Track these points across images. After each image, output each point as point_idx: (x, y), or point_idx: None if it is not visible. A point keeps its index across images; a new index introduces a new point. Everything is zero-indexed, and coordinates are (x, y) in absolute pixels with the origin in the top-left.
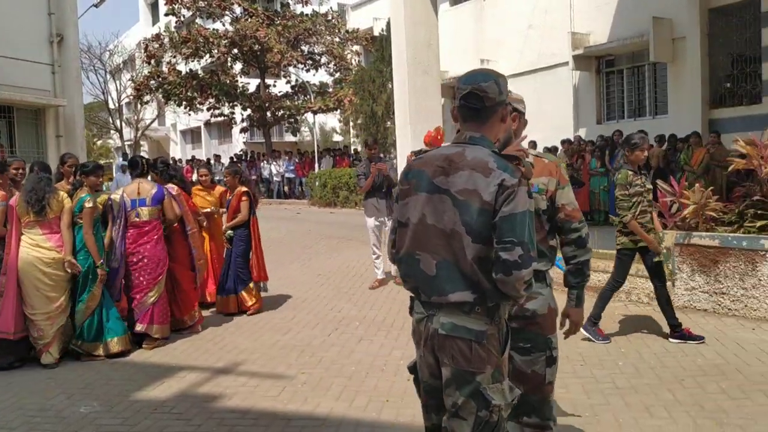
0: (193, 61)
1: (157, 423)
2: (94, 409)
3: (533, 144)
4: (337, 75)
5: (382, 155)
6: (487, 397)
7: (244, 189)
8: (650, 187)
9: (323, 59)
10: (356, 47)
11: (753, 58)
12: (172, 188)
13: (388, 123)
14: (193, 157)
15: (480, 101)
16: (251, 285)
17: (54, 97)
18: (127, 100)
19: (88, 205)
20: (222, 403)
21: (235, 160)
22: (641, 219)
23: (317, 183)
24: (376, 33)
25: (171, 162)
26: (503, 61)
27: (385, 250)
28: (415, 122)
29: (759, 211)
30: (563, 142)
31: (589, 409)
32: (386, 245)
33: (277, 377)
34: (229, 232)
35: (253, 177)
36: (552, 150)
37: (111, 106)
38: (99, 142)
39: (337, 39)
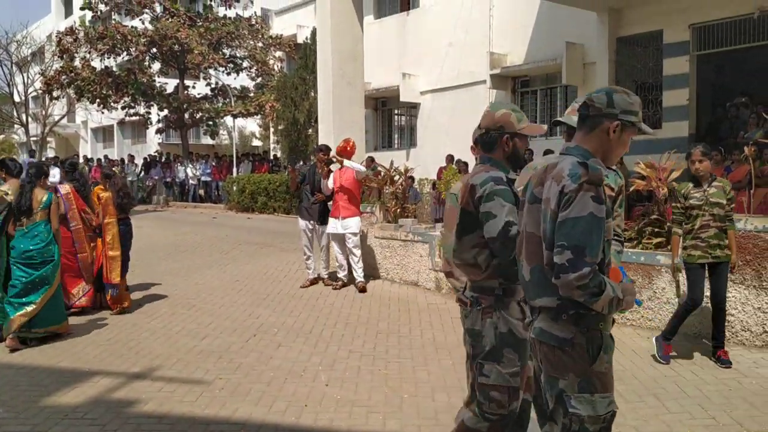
0: (109, 58)
1: (69, 429)
2: (1, 415)
3: (450, 158)
4: (259, 80)
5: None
6: (568, 404)
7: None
8: (719, 200)
9: (245, 63)
10: (279, 53)
11: (655, 86)
12: (63, 187)
13: (310, 130)
14: (106, 156)
15: (586, 109)
16: None
17: None
18: (34, 93)
19: None
20: (138, 408)
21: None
22: (702, 233)
23: (235, 188)
24: (300, 40)
25: (79, 164)
26: (424, 76)
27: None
28: (339, 131)
29: (656, 229)
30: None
31: None
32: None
33: (194, 383)
34: None
35: (168, 179)
36: (465, 164)
37: (17, 99)
38: (1, 137)
39: (260, 44)
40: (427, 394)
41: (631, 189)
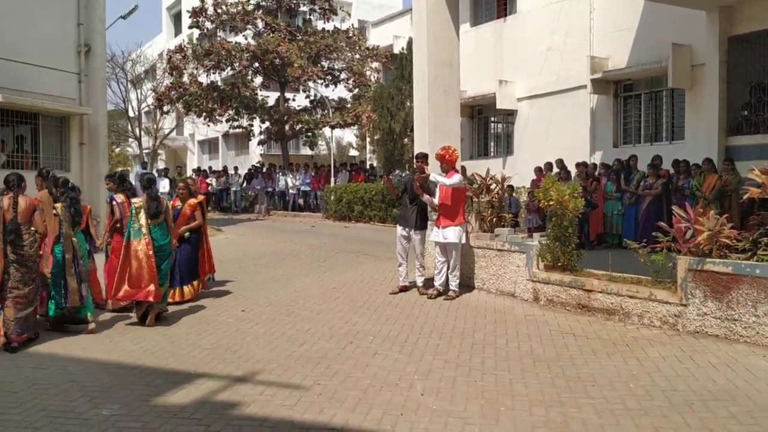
0: (214, 73)
1: (178, 428)
2: (115, 412)
3: (549, 165)
4: (356, 91)
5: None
6: None
7: (197, 200)
8: None
9: (343, 75)
10: (376, 64)
11: None
12: (118, 196)
13: (405, 140)
14: (209, 167)
15: None
16: (195, 283)
17: (79, 105)
18: (147, 109)
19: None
20: (240, 410)
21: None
22: None
23: (332, 197)
24: (396, 51)
25: (127, 176)
26: (521, 82)
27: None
28: (435, 140)
29: None
30: (578, 164)
31: (600, 429)
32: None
33: (293, 387)
34: (187, 233)
35: (269, 189)
36: (566, 172)
37: (131, 114)
38: (117, 150)
39: (357, 56)
40: (524, 408)
41: (745, 197)
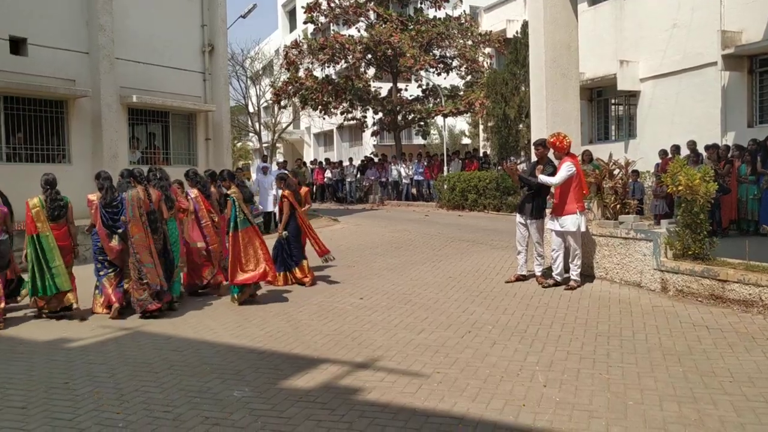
0: (328, 67)
1: (304, 411)
2: (246, 394)
3: (676, 148)
4: (469, 78)
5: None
6: None
7: (285, 192)
8: None
9: (455, 62)
10: (488, 50)
11: None
12: (192, 191)
13: (521, 126)
14: (324, 159)
15: None
16: (304, 263)
17: (204, 102)
18: (265, 104)
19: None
20: (362, 396)
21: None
22: None
23: (446, 186)
24: (509, 35)
25: (198, 173)
26: (644, 62)
27: (530, 247)
28: (552, 125)
29: None
30: (708, 147)
31: (740, 428)
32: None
33: (413, 375)
34: (284, 233)
35: (383, 179)
36: (697, 155)
37: (251, 110)
38: (239, 144)
39: (470, 42)
40: (654, 403)
41: None
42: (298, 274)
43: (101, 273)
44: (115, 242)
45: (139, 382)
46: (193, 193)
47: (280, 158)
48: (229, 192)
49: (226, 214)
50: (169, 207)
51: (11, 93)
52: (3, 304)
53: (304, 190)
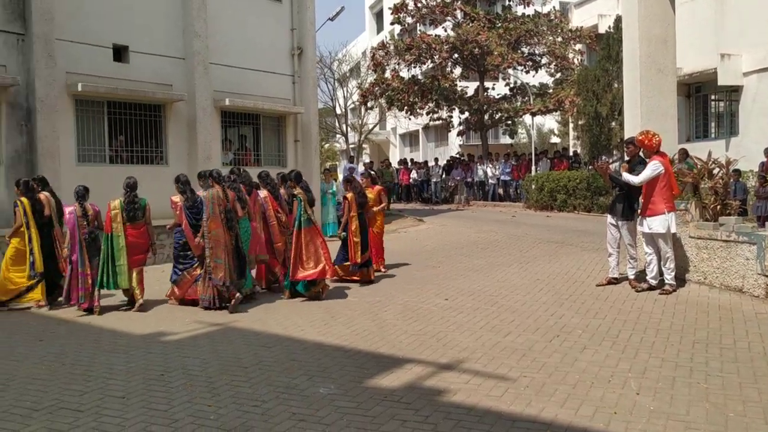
0: (415, 67)
1: (388, 410)
2: (332, 391)
3: None
4: (558, 75)
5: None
6: None
7: (348, 195)
8: None
9: (544, 60)
10: (579, 46)
11: None
12: (262, 192)
13: (613, 124)
14: (410, 159)
15: None
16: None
17: (293, 105)
18: (352, 105)
19: None
20: (447, 397)
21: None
22: None
23: (534, 186)
24: (601, 30)
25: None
26: (748, 55)
27: (622, 249)
28: (647, 122)
29: None
30: None
31: None
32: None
33: (499, 378)
34: (343, 233)
35: (468, 179)
36: None
37: (338, 111)
38: (326, 146)
39: (560, 39)
40: (758, 416)
41: None
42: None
43: (179, 268)
44: (200, 239)
45: (230, 376)
46: (263, 193)
47: (366, 159)
48: (295, 193)
49: (293, 214)
50: (242, 207)
51: (114, 98)
52: (98, 293)
53: (376, 189)
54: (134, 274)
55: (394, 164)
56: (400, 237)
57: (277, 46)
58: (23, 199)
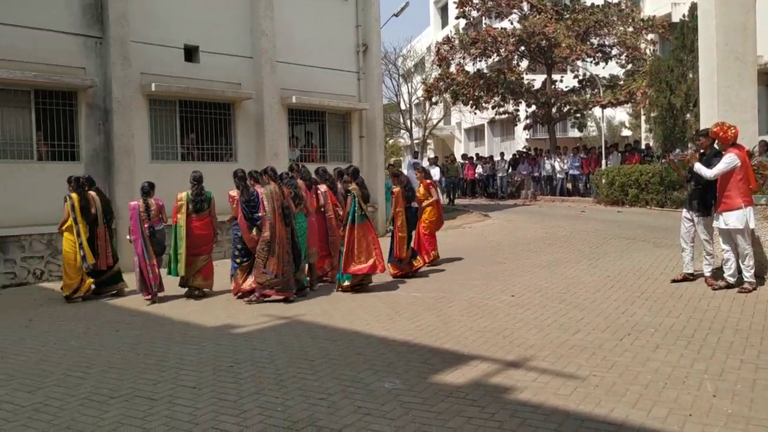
0: (480, 61)
1: (454, 406)
2: (397, 386)
3: None
4: (629, 66)
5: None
6: None
7: (395, 190)
8: None
9: (614, 51)
10: (651, 36)
11: None
12: (322, 186)
13: (688, 115)
14: (475, 154)
15: None
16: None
17: (358, 101)
18: (417, 101)
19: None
20: (514, 395)
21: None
22: None
23: (604, 180)
24: (675, 19)
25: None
26: None
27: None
28: (724, 113)
29: None
30: None
31: None
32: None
33: (567, 376)
34: (390, 227)
35: (535, 174)
36: None
37: (402, 107)
38: (390, 141)
39: (630, 29)
40: None
41: None
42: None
43: (237, 261)
44: (254, 233)
45: (297, 369)
46: (323, 188)
47: (431, 154)
48: (350, 188)
49: (347, 208)
50: (297, 203)
51: (185, 97)
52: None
53: (425, 183)
54: (199, 263)
55: (459, 159)
56: (464, 232)
57: (343, 44)
58: (73, 194)
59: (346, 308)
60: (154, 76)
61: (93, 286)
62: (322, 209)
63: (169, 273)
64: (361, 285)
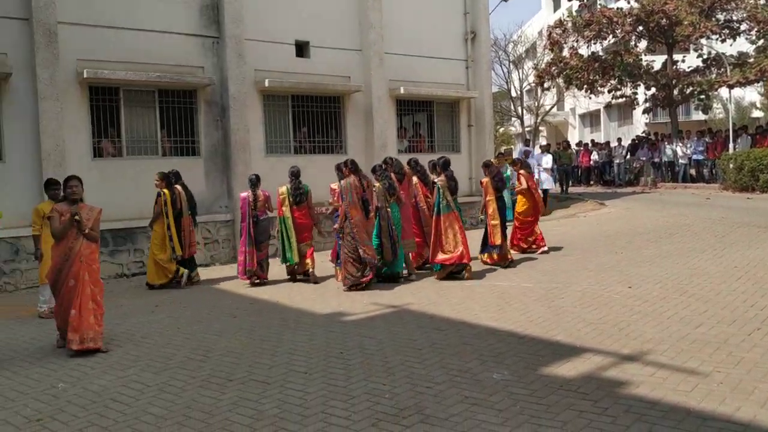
0: (595, 44)
1: (564, 399)
2: (505, 377)
3: None
4: (761, 42)
5: None
6: None
7: (484, 180)
8: None
9: (743, 26)
10: None
11: None
12: (414, 178)
13: None
14: (590, 140)
15: None
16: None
17: (467, 90)
18: (528, 87)
19: None
20: (629, 390)
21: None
22: None
23: (731, 165)
24: None
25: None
26: None
27: None
28: None
29: None
30: None
31: None
32: None
33: (688, 372)
34: (481, 216)
35: (655, 160)
36: None
37: (513, 94)
38: (501, 130)
39: (762, 1)
40: None
41: None
42: (486, 258)
43: (340, 252)
44: (340, 224)
45: (404, 357)
46: (414, 179)
47: (543, 141)
48: (436, 180)
49: (433, 200)
50: (391, 194)
51: (297, 92)
52: (257, 270)
53: (517, 172)
54: (303, 249)
55: (573, 146)
56: (578, 222)
57: (450, 32)
58: (166, 190)
59: (454, 298)
60: (268, 72)
61: (185, 274)
62: (414, 200)
63: (284, 262)
64: (456, 274)
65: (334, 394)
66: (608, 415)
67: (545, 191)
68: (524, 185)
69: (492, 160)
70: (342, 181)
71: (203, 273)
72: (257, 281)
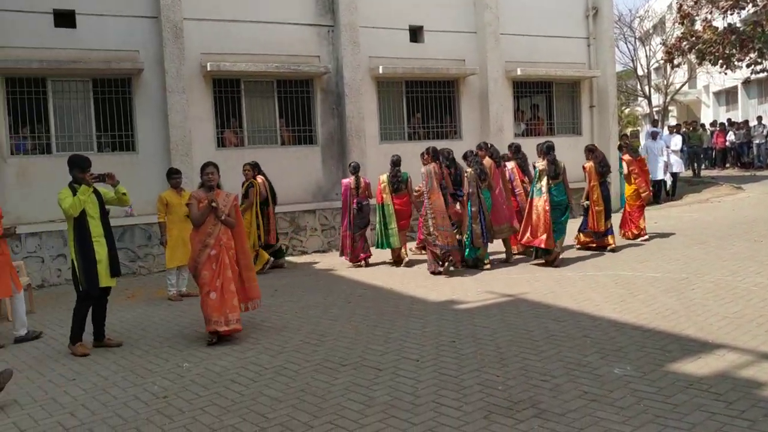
0: (731, 14)
1: (694, 399)
2: (628, 372)
3: None
4: None
5: None
6: None
7: (587, 165)
8: None
9: None
10: None
11: None
12: (510, 163)
13: None
14: (727, 120)
15: None
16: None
17: (588, 69)
18: (656, 65)
19: None
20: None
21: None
22: None
23: None
24: None
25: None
26: None
27: None
28: None
29: None
30: None
31: None
32: None
33: None
34: (586, 202)
35: None
36: None
37: (639, 72)
38: (626, 110)
39: None
40: None
41: None
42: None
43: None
44: (458, 207)
45: (519, 348)
46: (510, 164)
47: (672, 122)
48: (537, 164)
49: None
50: (483, 179)
51: (411, 78)
52: (363, 255)
53: (624, 158)
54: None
55: (708, 126)
56: (712, 207)
57: (570, 9)
58: (256, 180)
59: (573, 288)
60: (382, 59)
61: (271, 260)
62: (510, 185)
63: (379, 247)
64: (550, 259)
65: (445, 383)
66: (744, 419)
67: (674, 175)
68: (625, 170)
69: (620, 142)
70: (423, 168)
71: (320, 258)
72: (359, 263)
